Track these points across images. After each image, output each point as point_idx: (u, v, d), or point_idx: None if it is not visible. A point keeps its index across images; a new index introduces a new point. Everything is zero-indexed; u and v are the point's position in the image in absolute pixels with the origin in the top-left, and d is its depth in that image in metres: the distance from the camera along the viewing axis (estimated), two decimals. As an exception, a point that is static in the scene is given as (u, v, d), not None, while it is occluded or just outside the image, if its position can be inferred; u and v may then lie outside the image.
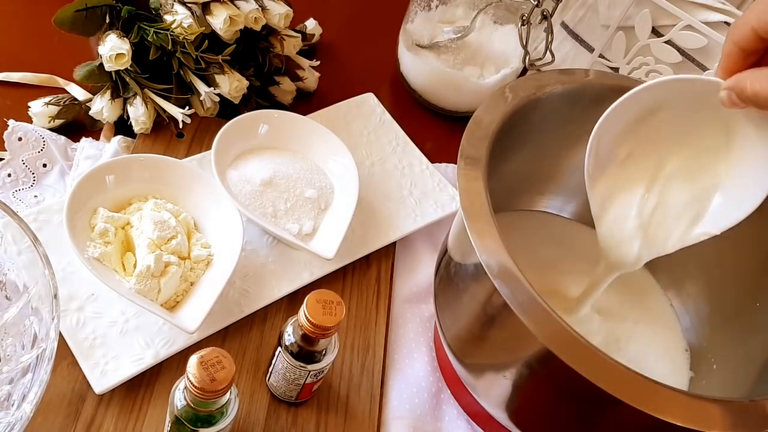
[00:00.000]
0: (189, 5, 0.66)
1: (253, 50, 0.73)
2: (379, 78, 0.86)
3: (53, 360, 0.44)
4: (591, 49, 0.80)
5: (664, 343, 0.61)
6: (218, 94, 0.69)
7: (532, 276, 0.43)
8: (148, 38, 0.65)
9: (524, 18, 0.69)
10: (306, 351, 0.51)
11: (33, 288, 0.48)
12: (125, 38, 0.64)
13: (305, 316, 0.48)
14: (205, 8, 0.67)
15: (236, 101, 0.71)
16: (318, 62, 0.80)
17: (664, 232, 0.51)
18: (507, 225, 0.46)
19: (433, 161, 0.75)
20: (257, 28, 0.69)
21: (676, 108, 0.48)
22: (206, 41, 0.66)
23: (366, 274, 0.66)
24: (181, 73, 0.68)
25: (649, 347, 0.60)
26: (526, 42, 0.71)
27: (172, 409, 0.46)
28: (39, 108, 0.68)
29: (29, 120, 0.69)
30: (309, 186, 0.65)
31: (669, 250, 0.51)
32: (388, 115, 0.77)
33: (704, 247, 0.60)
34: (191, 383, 0.42)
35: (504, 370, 0.48)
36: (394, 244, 0.68)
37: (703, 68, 0.75)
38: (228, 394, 0.45)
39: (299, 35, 0.77)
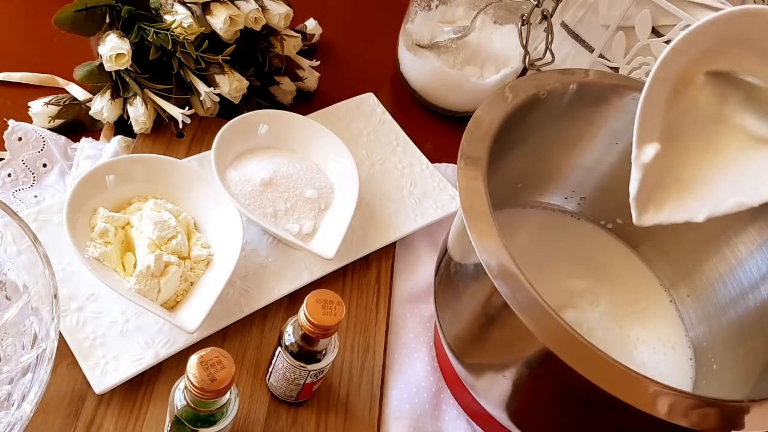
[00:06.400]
0: (189, 5, 0.66)
1: (253, 50, 0.73)
2: (379, 78, 0.86)
3: (53, 360, 0.44)
4: (591, 49, 0.80)
5: (665, 342, 0.61)
6: (218, 94, 0.69)
7: (531, 274, 0.43)
8: (148, 38, 0.65)
9: (524, 18, 0.69)
10: (306, 351, 0.51)
11: (33, 288, 0.48)
12: (125, 38, 0.64)
13: (305, 316, 0.48)
14: (205, 8, 0.67)
15: (236, 101, 0.71)
16: (318, 62, 0.80)
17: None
18: (508, 221, 0.45)
19: (433, 161, 0.75)
20: (257, 28, 0.69)
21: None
22: (206, 41, 0.66)
23: (366, 274, 0.66)
24: (181, 73, 0.68)
25: (651, 347, 0.60)
26: (526, 42, 0.71)
27: (172, 409, 0.46)
28: (39, 108, 0.68)
29: (29, 120, 0.69)
30: (309, 186, 0.65)
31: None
32: (388, 115, 0.77)
33: (706, 247, 0.60)
34: (191, 383, 0.42)
35: (504, 370, 0.48)
36: (394, 244, 0.68)
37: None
38: (228, 394, 0.45)
39: (299, 35, 0.77)
